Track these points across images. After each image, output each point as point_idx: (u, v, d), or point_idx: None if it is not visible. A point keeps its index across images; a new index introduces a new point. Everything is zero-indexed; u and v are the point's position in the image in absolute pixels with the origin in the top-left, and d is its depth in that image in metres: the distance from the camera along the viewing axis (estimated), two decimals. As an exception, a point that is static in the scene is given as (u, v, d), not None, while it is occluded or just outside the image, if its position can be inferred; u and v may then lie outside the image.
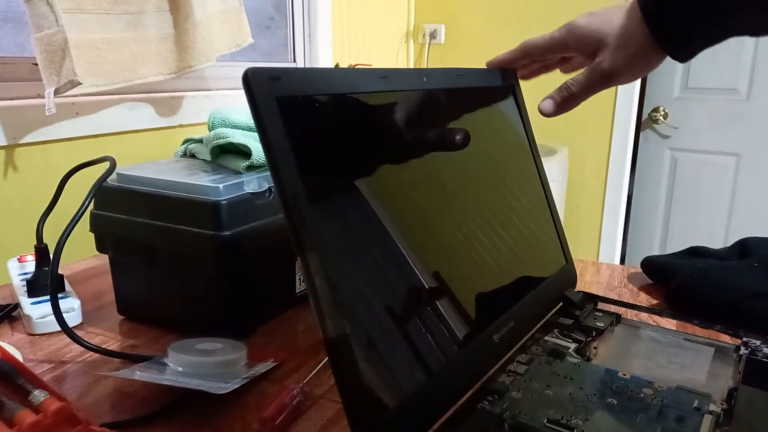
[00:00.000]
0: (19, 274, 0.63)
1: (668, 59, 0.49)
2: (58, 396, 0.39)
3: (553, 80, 0.58)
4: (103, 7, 0.99)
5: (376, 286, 0.35)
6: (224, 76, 1.37)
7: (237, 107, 0.66)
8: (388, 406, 0.33)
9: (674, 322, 0.57)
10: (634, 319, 0.57)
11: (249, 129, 0.62)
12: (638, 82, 2.00)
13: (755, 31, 0.45)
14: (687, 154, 2.18)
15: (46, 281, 0.58)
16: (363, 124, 0.39)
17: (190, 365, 0.46)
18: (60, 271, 0.58)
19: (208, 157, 0.60)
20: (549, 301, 0.55)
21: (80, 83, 0.92)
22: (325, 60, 1.78)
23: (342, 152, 0.36)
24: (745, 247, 0.67)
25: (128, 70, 1.03)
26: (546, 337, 0.52)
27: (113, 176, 0.56)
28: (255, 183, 0.54)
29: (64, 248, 0.50)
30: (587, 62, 0.53)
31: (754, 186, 2.10)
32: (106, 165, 0.56)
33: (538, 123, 0.63)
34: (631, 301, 0.62)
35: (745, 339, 0.51)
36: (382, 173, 0.39)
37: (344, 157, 0.36)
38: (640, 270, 0.70)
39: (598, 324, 0.54)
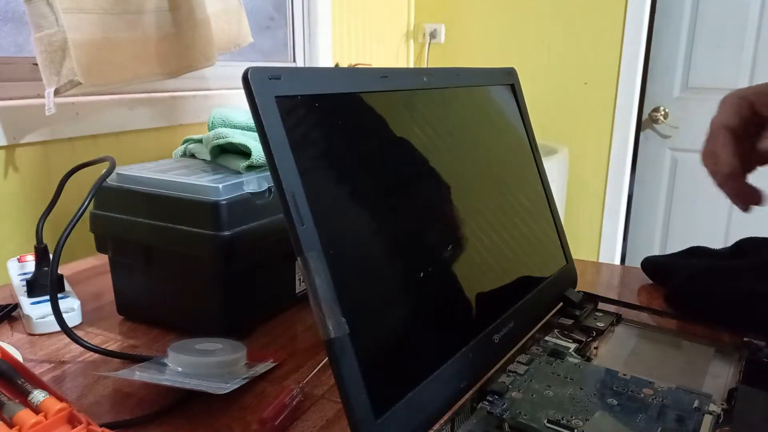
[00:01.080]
0: (19, 274, 0.63)
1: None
2: (58, 396, 0.39)
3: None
4: (103, 6, 0.99)
5: (376, 286, 0.35)
6: (224, 76, 1.37)
7: (237, 107, 0.66)
8: (388, 406, 0.33)
9: (674, 322, 0.57)
10: (635, 319, 0.57)
11: (249, 129, 0.62)
12: (638, 81, 2.00)
13: None
14: (687, 154, 2.18)
15: (46, 281, 0.58)
16: (363, 123, 0.39)
17: (190, 365, 0.46)
18: (60, 271, 0.58)
19: (208, 157, 0.60)
20: (549, 301, 0.55)
21: (80, 83, 0.92)
22: (325, 60, 1.78)
23: (342, 152, 0.36)
24: (745, 247, 0.67)
25: (128, 70, 1.03)
26: (546, 338, 0.52)
27: (113, 176, 0.56)
28: (255, 183, 0.54)
29: (63, 248, 0.49)
30: None
31: (754, 186, 2.10)
32: (106, 165, 0.56)
33: (538, 123, 0.63)
34: (631, 302, 0.61)
35: (745, 339, 0.51)
36: (382, 173, 0.39)
37: (344, 157, 0.36)
38: (640, 270, 0.70)
39: (598, 324, 0.54)
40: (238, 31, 1.27)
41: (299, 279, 0.61)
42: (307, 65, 1.75)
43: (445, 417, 0.38)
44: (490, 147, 0.51)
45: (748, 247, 0.67)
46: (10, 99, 0.94)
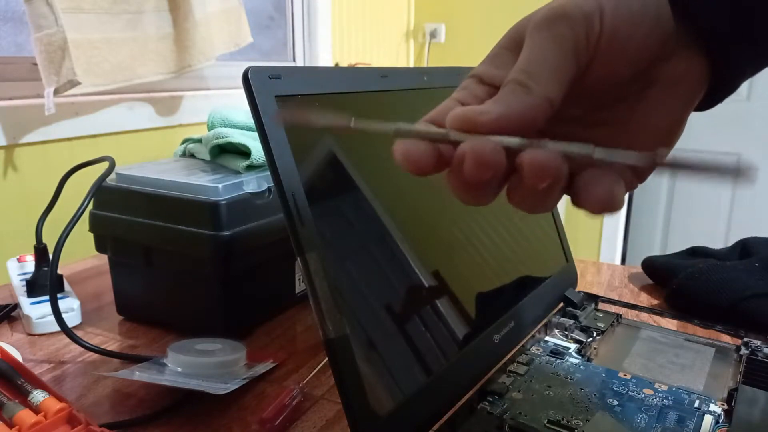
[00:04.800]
0: (19, 274, 0.63)
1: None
2: (58, 396, 0.39)
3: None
4: (103, 6, 0.99)
5: (376, 286, 0.35)
6: (224, 76, 1.37)
7: (236, 107, 0.66)
8: (388, 406, 0.33)
9: (675, 322, 0.57)
10: (635, 319, 0.57)
11: (248, 129, 0.62)
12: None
13: None
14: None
15: (46, 281, 0.58)
16: (363, 123, 0.39)
17: (190, 366, 0.46)
18: (59, 271, 0.57)
19: (208, 157, 0.60)
20: (549, 301, 0.55)
21: (80, 83, 0.91)
22: (324, 59, 1.78)
23: (342, 152, 0.36)
24: (745, 247, 0.67)
25: (127, 70, 1.03)
26: (546, 338, 0.52)
27: (112, 176, 0.56)
28: (254, 183, 0.54)
29: (63, 248, 0.49)
30: None
31: (754, 186, 2.10)
32: (106, 165, 0.56)
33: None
34: (631, 302, 0.61)
35: (745, 339, 0.51)
36: (382, 173, 0.39)
37: (344, 157, 0.36)
38: (640, 270, 0.70)
39: (598, 324, 0.54)
40: (238, 30, 1.27)
41: (299, 279, 0.61)
42: (306, 65, 1.75)
43: (445, 417, 0.38)
44: (490, 147, 0.51)
45: (749, 246, 0.67)
46: (10, 99, 0.94)
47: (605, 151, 0.22)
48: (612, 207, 0.24)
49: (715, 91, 0.29)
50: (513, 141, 0.23)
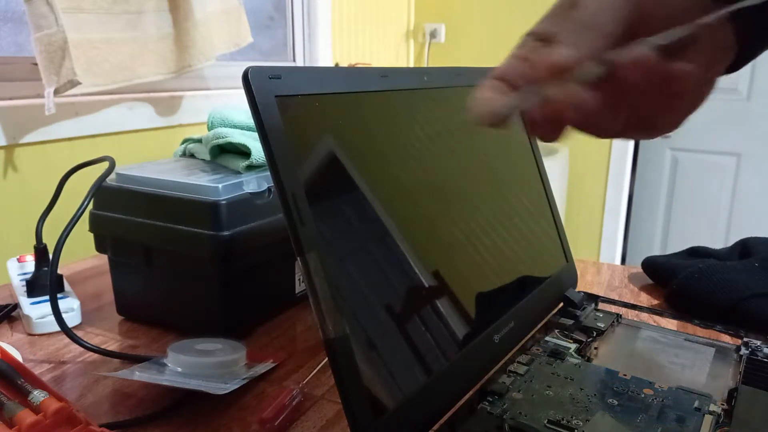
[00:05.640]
0: (19, 274, 0.63)
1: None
2: (58, 396, 0.39)
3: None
4: (103, 6, 0.99)
5: (376, 287, 0.35)
6: (224, 76, 1.37)
7: (236, 107, 0.66)
8: (388, 406, 0.33)
9: (675, 322, 0.57)
10: (635, 319, 0.57)
11: (248, 129, 0.62)
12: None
13: None
14: (687, 154, 2.18)
15: (46, 281, 0.58)
16: (363, 123, 0.39)
17: (190, 366, 0.46)
18: (59, 271, 0.58)
19: (208, 157, 0.60)
20: (549, 301, 0.55)
21: (80, 83, 0.92)
22: (324, 59, 1.78)
23: (342, 151, 0.36)
24: (745, 247, 0.67)
25: (128, 70, 1.03)
26: (546, 338, 0.52)
27: (112, 176, 0.56)
28: (254, 183, 0.54)
29: (63, 248, 0.49)
30: None
31: (754, 186, 2.10)
32: (106, 165, 0.56)
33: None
34: (631, 302, 0.61)
35: (745, 339, 0.51)
36: (382, 173, 0.39)
37: (344, 157, 0.36)
38: (640, 270, 0.70)
39: (598, 324, 0.54)
40: (238, 30, 1.27)
41: (299, 279, 0.61)
42: (306, 65, 1.75)
43: (445, 417, 0.38)
44: (491, 146, 0.51)
45: (749, 246, 0.67)
46: (10, 99, 0.94)
47: (661, 36, 0.26)
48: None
49: (741, 56, 0.31)
50: (596, 70, 0.26)
